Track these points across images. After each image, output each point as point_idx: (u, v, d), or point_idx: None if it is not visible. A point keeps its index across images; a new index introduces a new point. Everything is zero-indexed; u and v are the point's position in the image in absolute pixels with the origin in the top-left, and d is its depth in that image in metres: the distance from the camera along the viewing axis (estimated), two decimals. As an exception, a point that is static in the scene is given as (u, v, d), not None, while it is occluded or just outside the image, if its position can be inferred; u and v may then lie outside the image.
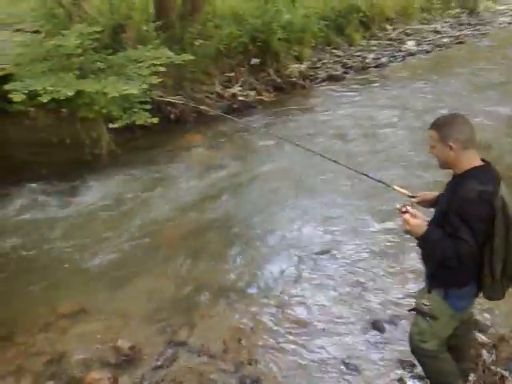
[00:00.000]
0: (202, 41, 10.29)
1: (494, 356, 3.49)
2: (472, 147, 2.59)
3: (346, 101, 10.52)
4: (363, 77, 12.17)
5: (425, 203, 2.86)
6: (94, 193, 6.94)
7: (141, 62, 7.10)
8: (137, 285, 5.01)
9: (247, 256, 5.33)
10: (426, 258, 2.79)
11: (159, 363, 3.88)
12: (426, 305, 2.78)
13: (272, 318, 4.32)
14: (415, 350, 2.92)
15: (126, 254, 5.52)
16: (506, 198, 2.51)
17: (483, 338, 3.65)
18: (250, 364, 3.80)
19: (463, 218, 2.46)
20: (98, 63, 7.23)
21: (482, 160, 2.64)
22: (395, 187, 3.00)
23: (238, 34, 10.82)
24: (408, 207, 2.72)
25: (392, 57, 13.33)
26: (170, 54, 7.23)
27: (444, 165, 2.67)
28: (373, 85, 11.50)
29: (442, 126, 2.61)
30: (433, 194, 2.87)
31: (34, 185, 7.07)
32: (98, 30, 7.43)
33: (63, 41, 6.60)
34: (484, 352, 3.48)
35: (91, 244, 5.76)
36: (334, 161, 3.59)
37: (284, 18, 11.38)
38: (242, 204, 6.53)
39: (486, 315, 4.00)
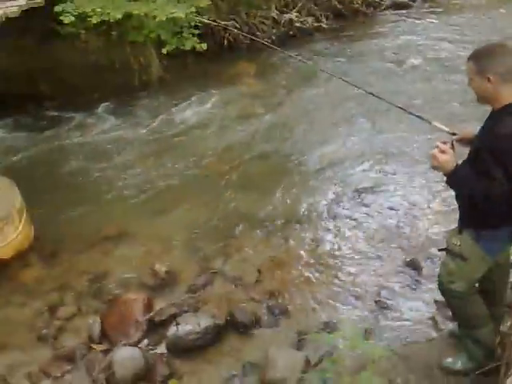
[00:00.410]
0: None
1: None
2: None
3: (408, 30, 9.87)
4: (432, 4, 11.34)
5: (466, 141, 2.66)
6: (142, 120, 6.98)
7: (191, -17, 6.86)
8: (179, 213, 5.08)
9: (289, 189, 5.23)
10: (458, 197, 2.63)
11: (193, 288, 3.97)
12: (456, 245, 2.64)
13: (307, 252, 4.30)
14: (443, 290, 2.81)
15: (172, 183, 5.58)
16: None
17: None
18: (281, 295, 3.82)
19: (496, 155, 2.26)
20: (149, -15, 7.04)
21: None
22: (435, 123, 2.79)
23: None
24: (448, 144, 2.55)
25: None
26: (222, -25, 6.92)
27: (482, 99, 2.43)
28: (442, 14, 10.69)
29: (480, 57, 2.37)
30: (474, 131, 2.66)
31: (85, 109, 7.20)
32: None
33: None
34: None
35: (138, 171, 5.87)
36: (377, 96, 3.34)
37: None
38: (288, 137, 6.37)
39: None
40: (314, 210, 4.85)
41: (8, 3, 5.42)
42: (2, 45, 6.45)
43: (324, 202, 4.93)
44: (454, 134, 2.71)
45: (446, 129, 2.74)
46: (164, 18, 6.21)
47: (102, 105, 7.24)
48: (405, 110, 3.05)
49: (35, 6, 5.69)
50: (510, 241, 2.63)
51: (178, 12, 6.19)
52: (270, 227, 4.68)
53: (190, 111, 7.27)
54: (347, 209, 4.79)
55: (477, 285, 2.84)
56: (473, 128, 2.61)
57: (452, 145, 2.59)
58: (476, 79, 2.39)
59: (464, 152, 2.56)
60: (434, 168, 2.46)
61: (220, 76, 8.44)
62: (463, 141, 2.69)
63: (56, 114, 7.18)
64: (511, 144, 2.26)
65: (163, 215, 5.05)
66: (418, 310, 3.55)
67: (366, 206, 4.80)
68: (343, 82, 3.85)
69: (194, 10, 6.39)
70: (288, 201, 5.06)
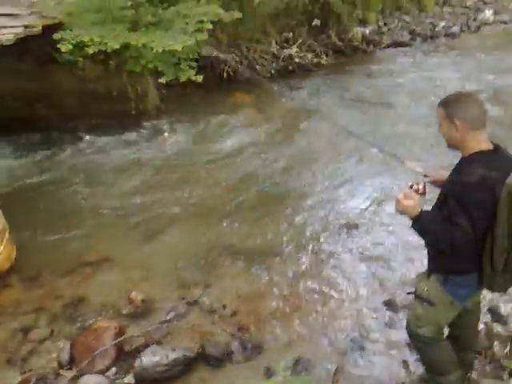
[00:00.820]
0: (261, -2, 10.05)
1: (507, 350, 3.29)
2: (481, 129, 2.37)
3: (406, 68, 10.05)
4: (430, 45, 11.57)
5: (439, 183, 2.67)
6: (137, 148, 7.06)
7: (190, 17, 7.00)
8: (165, 240, 5.09)
9: (278, 222, 5.24)
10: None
11: (168, 318, 3.94)
12: (423, 289, 2.63)
13: (287, 286, 4.27)
14: (411, 334, 2.79)
15: (162, 211, 5.60)
16: None
17: (500, 329, 3.45)
18: (256, 329, 3.78)
19: (461, 202, 2.28)
20: (150, 17, 7.21)
21: (494, 144, 2.42)
22: (407, 163, 2.82)
23: (300, -8, 10.45)
24: (420, 185, 2.56)
25: (465, 26, 12.53)
26: (220, 10, 7.08)
27: (451, 145, 2.47)
28: (438, 54, 10.90)
29: (448, 103, 2.41)
30: (447, 174, 2.67)
31: (83, 134, 7.30)
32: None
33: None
34: (496, 344, 3.29)
35: (129, 195, 5.92)
36: (356, 136, 3.39)
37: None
38: (279, 168, 6.43)
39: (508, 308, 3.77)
40: (299, 244, 4.84)
41: (5, 30, 5.53)
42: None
43: (309, 237, 4.93)
44: (426, 176, 2.73)
45: (419, 170, 2.76)
46: (161, 50, 6.33)
47: (98, 131, 7.34)
48: (379, 149, 3.08)
49: (32, 33, 5.79)
50: (478, 287, 2.62)
51: (174, 44, 6.30)
52: (253, 259, 4.66)
53: (184, 140, 7.36)
54: (332, 245, 4.77)
55: (446, 330, 2.82)
56: (447, 171, 2.62)
57: (424, 187, 2.60)
58: (444, 124, 2.43)
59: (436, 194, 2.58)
60: (399, 212, 2.47)
61: (218, 106, 8.57)
62: (436, 183, 2.71)
63: (51, 138, 7.28)
64: (476, 193, 2.28)
65: (149, 242, 5.06)
66: (391, 351, 3.49)
67: (350, 243, 4.79)
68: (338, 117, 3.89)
69: (191, 43, 6.48)
70: (275, 233, 5.05)
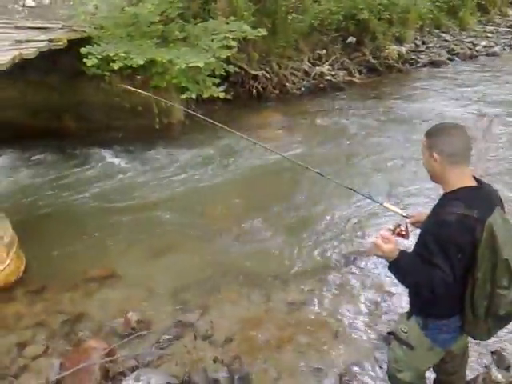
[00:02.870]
0: (295, 15, 10.04)
1: (504, 399, 3.11)
2: (462, 164, 2.23)
3: (440, 91, 9.77)
4: (469, 65, 11.24)
5: (419, 224, 2.55)
6: (158, 164, 7.12)
7: (216, 34, 7.04)
8: (171, 260, 5.08)
9: (284, 247, 5.14)
10: None
11: (161, 340, 3.91)
12: (403, 331, 2.50)
13: (285, 314, 4.18)
14: (390, 378, 2.66)
15: (173, 229, 5.60)
16: (498, 228, 2.12)
17: (498, 375, 3.25)
18: (248, 358, 3.70)
19: (440, 243, 2.15)
20: (177, 33, 7.28)
21: (477, 180, 2.28)
22: (386, 205, 2.72)
23: (336, 10, 10.36)
24: (402, 227, 2.46)
25: (508, 46, 12.14)
26: (246, 27, 7.09)
27: (432, 178, 2.34)
28: (477, 75, 10.57)
29: (431, 133, 2.29)
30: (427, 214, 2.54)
31: (104, 147, 7.43)
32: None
33: (140, 8, 6.70)
34: (492, 392, 3.10)
35: (143, 214, 5.94)
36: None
37: (387, -4, 10.73)
38: (294, 191, 6.33)
39: (514, 351, 3.56)
40: (303, 270, 4.75)
41: (30, 44, 5.66)
42: (30, 81, 6.78)
43: (313, 264, 4.82)
44: (407, 217, 2.62)
45: (399, 211, 2.65)
46: (184, 66, 6.37)
47: (121, 145, 7.45)
48: (356, 191, 3.00)
49: (56, 47, 5.92)
50: (461, 332, 2.47)
51: (197, 61, 6.33)
52: (255, 284, 4.59)
53: (205, 158, 7.35)
54: (335, 274, 4.64)
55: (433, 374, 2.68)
56: (427, 211, 2.50)
57: (406, 228, 2.50)
58: (425, 154, 2.32)
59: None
60: (378, 256, 2.36)
61: (245, 124, 8.52)
62: (417, 224, 2.58)
63: (76, 150, 7.42)
64: (454, 233, 2.15)
65: (154, 261, 5.06)
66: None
67: (355, 273, 4.64)
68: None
69: (213, 60, 6.49)
70: (280, 258, 4.98)
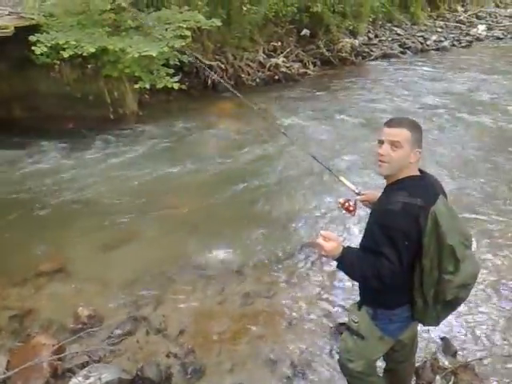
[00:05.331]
0: (250, 6, 10.00)
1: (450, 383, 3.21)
2: None
3: (391, 84, 9.97)
4: (420, 59, 11.50)
5: (369, 203, 2.60)
6: (111, 153, 6.98)
7: (170, 23, 6.93)
8: (126, 251, 5.02)
9: (243, 237, 5.16)
10: None
11: (113, 336, 3.84)
12: (354, 321, 2.54)
13: (239, 306, 4.17)
14: (342, 368, 2.69)
15: (129, 220, 5.52)
16: (441, 216, 2.17)
17: (445, 362, 3.36)
18: (201, 351, 3.68)
19: (386, 231, 2.18)
20: (130, 22, 7.13)
21: (420, 171, 2.33)
22: (342, 179, 2.77)
23: (290, 1, 10.38)
24: (351, 202, 2.60)
25: (456, 41, 12.48)
26: (200, 17, 7.00)
27: (390, 170, 2.29)
28: (426, 68, 10.82)
29: (416, 129, 2.29)
30: (379, 194, 2.57)
31: (55, 138, 7.22)
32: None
33: (90, -5, 6.53)
34: (438, 378, 3.20)
35: (99, 205, 5.85)
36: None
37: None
38: (251, 182, 6.34)
39: (461, 337, 3.68)
40: (259, 261, 4.76)
41: (-27, 32, 5.43)
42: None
43: (269, 255, 4.84)
44: (358, 194, 2.67)
45: (352, 187, 2.71)
46: (136, 55, 6.24)
47: (73, 136, 7.26)
48: (318, 160, 3.04)
49: (3, 35, 5.69)
50: (410, 321, 2.52)
51: (150, 50, 6.21)
52: (210, 276, 4.58)
53: (160, 148, 7.27)
54: (290, 265, 4.68)
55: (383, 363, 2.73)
56: (379, 192, 2.52)
57: (355, 204, 2.58)
58: (406, 148, 2.25)
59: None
60: (323, 256, 2.38)
61: (199, 114, 8.49)
62: (367, 202, 2.64)
63: (26, 140, 7.19)
64: (399, 221, 2.18)
65: (108, 254, 4.98)
66: (332, 382, 3.40)
67: (310, 264, 4.69)
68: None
69: (166, 49, 6.39)
70: (238, 249, 4.98)
